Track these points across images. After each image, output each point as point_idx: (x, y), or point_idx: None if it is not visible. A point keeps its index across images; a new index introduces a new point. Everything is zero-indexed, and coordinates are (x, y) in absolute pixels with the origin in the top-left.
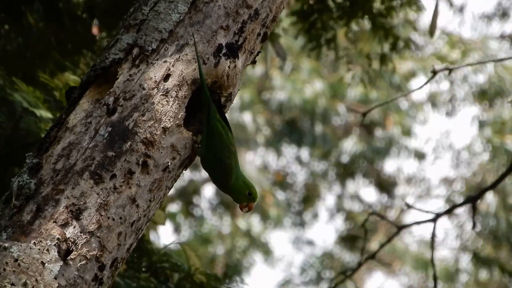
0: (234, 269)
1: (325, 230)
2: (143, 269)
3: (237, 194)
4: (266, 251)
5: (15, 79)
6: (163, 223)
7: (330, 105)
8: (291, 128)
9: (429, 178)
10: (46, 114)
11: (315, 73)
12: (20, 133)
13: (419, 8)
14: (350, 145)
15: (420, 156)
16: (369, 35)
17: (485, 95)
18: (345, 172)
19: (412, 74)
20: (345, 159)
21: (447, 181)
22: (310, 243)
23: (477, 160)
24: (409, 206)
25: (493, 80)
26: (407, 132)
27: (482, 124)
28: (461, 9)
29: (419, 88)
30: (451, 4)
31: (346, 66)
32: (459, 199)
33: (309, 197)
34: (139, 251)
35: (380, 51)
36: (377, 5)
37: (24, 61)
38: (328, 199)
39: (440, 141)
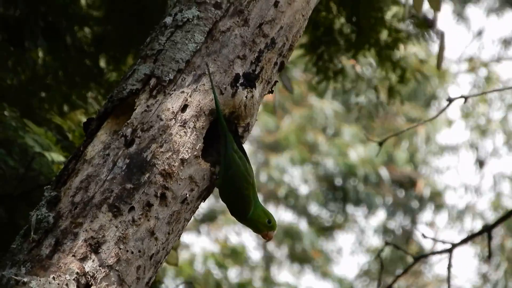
0: None
1: (347, 265)
2: None
3: (256, 223)
4: None
5: (26, 120)
6: (176, 264)
7: (372, 169)
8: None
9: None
10: (58, 157)
11: (356, 137)
12: (33, 174)
13: (426, 41)
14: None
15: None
16: (376, 67)
17: None
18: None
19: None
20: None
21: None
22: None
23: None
24: (425, 237)
25: None
26: (438, 193)
27: None
28: (479, 34)
29: (434, 117)
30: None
31: (355, 99)
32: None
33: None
34: None
35: (387, 84)
36: (384, 37)
37: (29, 96)
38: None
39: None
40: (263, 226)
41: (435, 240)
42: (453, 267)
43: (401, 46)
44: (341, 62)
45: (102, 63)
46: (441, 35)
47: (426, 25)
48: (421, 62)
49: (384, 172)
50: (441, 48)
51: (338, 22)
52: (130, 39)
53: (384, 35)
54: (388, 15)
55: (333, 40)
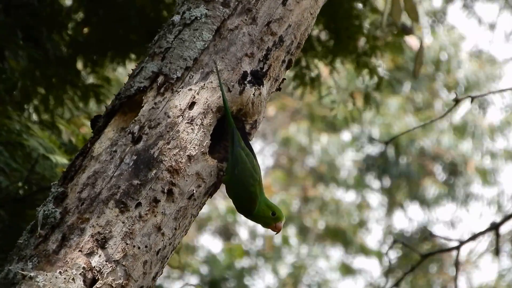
0: None
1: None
2: None
3: (262, 218)
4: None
5: (30, 124)
6: (178, 267)
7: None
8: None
9: None
10: (61, 159)
11: (401, 109)
12: (36, 177)
13: (403, 49)
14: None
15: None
16: (353, 74)
17: None
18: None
19: None
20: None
21: None
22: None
23: None
24: (433, 235)
25: None
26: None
27: None
28: (491, 27)
29: (442, 117)
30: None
31: (330, 105)
32: None
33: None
34: None
35: (364, 90)
36: (361, 44)
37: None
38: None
39: None
40: (269, 220)
41: (443, 238)
42: None
43: (379, 54)
44: (318, 68)
45: (79, 66)
46: (420, 43)
47: (404, 33)
48: (398, 69)
49: (426, 144)
50: (419, 55)
51: (316, 29)
52: (108, 42)
53: (361, 42)
54: (366, 23)
55: (311, 46)
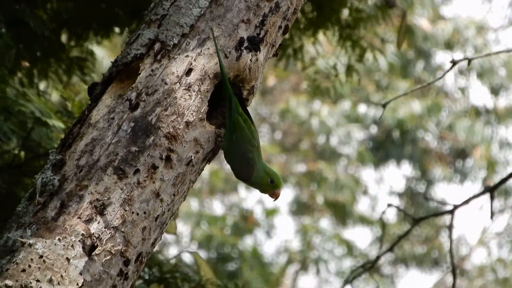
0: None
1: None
2: (154, 280)
3: (260, 184)
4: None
5: (27, 90)
6: (174, 233)
7: (421, 125)
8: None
9: None
10: (58, 124)
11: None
12: (31, 144)
13: (387, 21)
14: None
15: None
16: (336, 46)
17: None
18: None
19: None
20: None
21: None
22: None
23: None
24: (427, 199)
25: None
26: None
27: None
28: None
29: (439, 78)
30: None
31: (312, 76)
32: None
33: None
34: (150, 261)
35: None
36: (344, 16)
37: None
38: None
39: None
40: (267, 186)
41: (437, 202)
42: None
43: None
44: (301, 40)
45: (63, 39)
46: (402, 15)
47: (388, 6)
48: (382, 42)
49: (432, 129)
50: (402, 27)
51: None
52: (92, 15)
53: (344, 14)
54: None
55: None
